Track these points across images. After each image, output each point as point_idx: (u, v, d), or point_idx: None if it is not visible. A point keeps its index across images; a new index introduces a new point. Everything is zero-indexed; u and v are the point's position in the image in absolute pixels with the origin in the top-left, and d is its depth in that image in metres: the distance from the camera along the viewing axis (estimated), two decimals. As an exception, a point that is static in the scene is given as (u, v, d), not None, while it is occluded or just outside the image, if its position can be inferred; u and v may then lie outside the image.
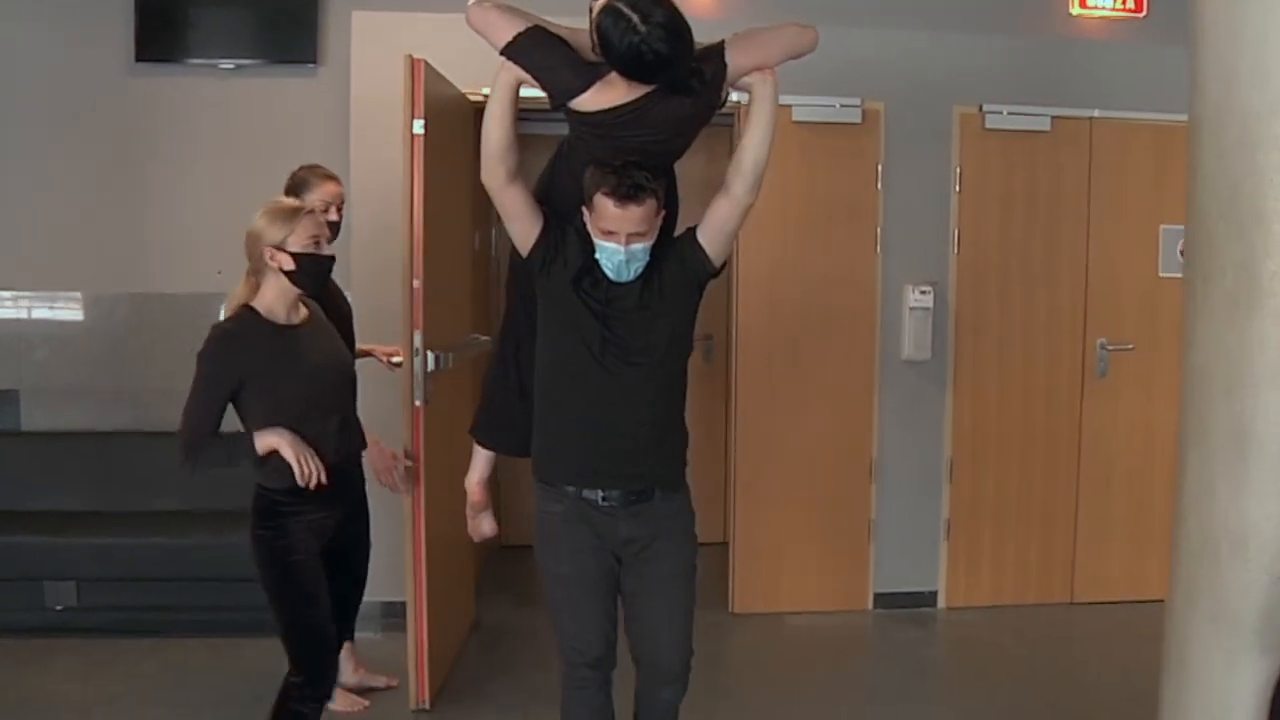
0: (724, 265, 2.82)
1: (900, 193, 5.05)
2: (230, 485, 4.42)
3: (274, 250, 3.02)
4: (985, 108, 5.04)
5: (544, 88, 2.68)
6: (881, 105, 5.01)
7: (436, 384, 3.87)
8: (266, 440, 2.96)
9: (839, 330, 5.04)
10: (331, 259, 3.15)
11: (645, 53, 2.50)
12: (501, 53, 2.66)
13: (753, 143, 2.71)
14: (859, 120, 4.96)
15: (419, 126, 3.70)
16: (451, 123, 4.22)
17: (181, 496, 4.79)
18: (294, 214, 3.06)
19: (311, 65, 4.97)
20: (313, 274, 3.07)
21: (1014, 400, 5.17)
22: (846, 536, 5.14)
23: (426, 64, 3.79)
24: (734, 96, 2.79)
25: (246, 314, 3.03)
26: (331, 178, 3.75)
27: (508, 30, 2.64)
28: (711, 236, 2.77)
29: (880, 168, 5.03)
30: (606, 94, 2.62)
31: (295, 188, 3.70)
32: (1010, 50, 5.10)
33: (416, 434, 3.73)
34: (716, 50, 2.67)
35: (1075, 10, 5.23)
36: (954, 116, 5.06)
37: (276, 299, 3.05)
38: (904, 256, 5.07)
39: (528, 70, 2.65)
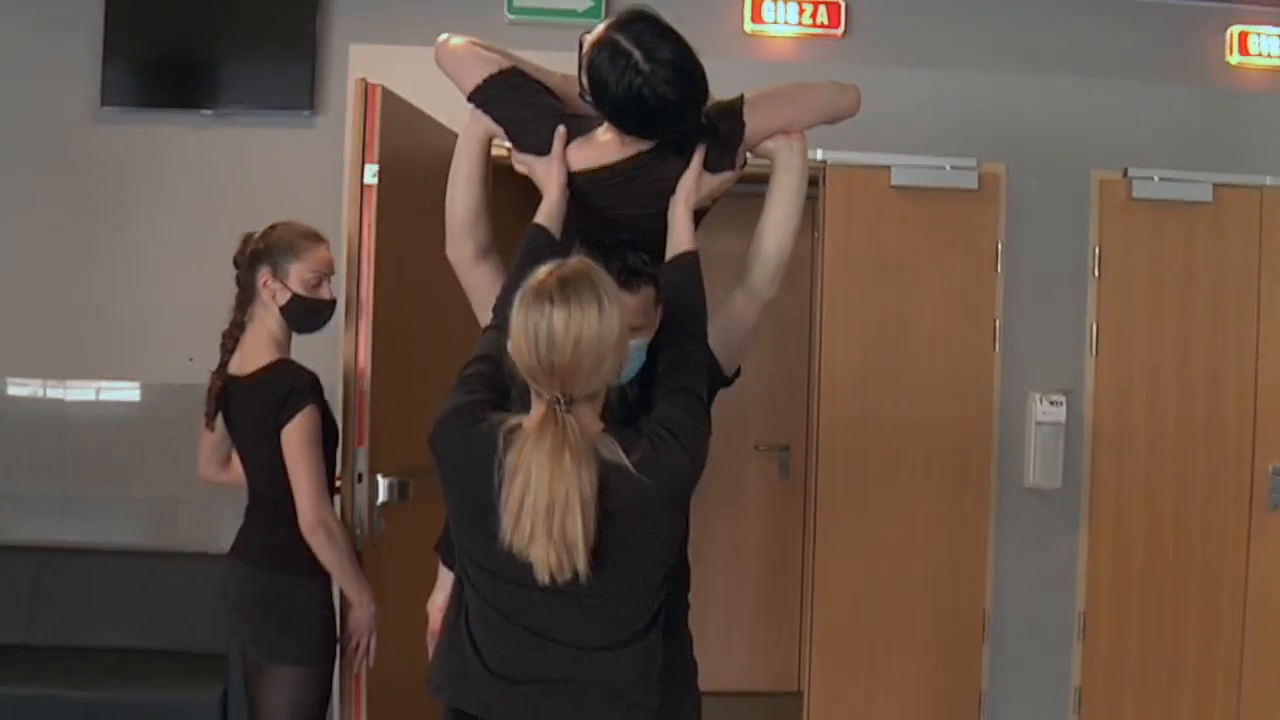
0: (737, 373, 2.39)
1: (1025, 277, 4.22)
2: (197, 615, 3.85)
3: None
4: (1131, 173, 4.21)
5: (515, 144, 2.32)
6: (1002, 168, 4.16)
7: (392, 519, 2.98)
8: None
9: (946, 448, 4.17)
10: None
11: (648, 97, 2.13)
12: (469, 98, 2.33)
13: (774, 224, 2.31)
14: (975, 186, 4.12)
15: (371, 175, 2.87)
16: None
17: (134, 629, 4.02)
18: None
19: (307, 113, 4.22)
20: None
21: (1164, 539, 4.29)
22: (950, 707, 4.23)
23: (390, 94, 2.97)
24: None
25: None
26: (321, 241, 2.86)
27: (477, 72, 2.32)
28: (723, 338, 2.29)
29: (1000, 245, 4.17)
30: (592, 151, 2.26)
31: (270, 252, 2.80)
32: (1161, 103, 4.29)
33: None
34: (733, 106, 2.30)
35: (1233, 59, 4.41)
36: (1092, 183, 4.25)
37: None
38: (1029, 358, 4.24)
39: (498, 121, 2.33)
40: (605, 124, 2.24)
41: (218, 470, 2.98)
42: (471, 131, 2.37)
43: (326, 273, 2.83)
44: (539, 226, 2.18)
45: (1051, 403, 4.16)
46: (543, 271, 1.85)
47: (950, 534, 4.19)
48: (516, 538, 1.80)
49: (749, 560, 5.14)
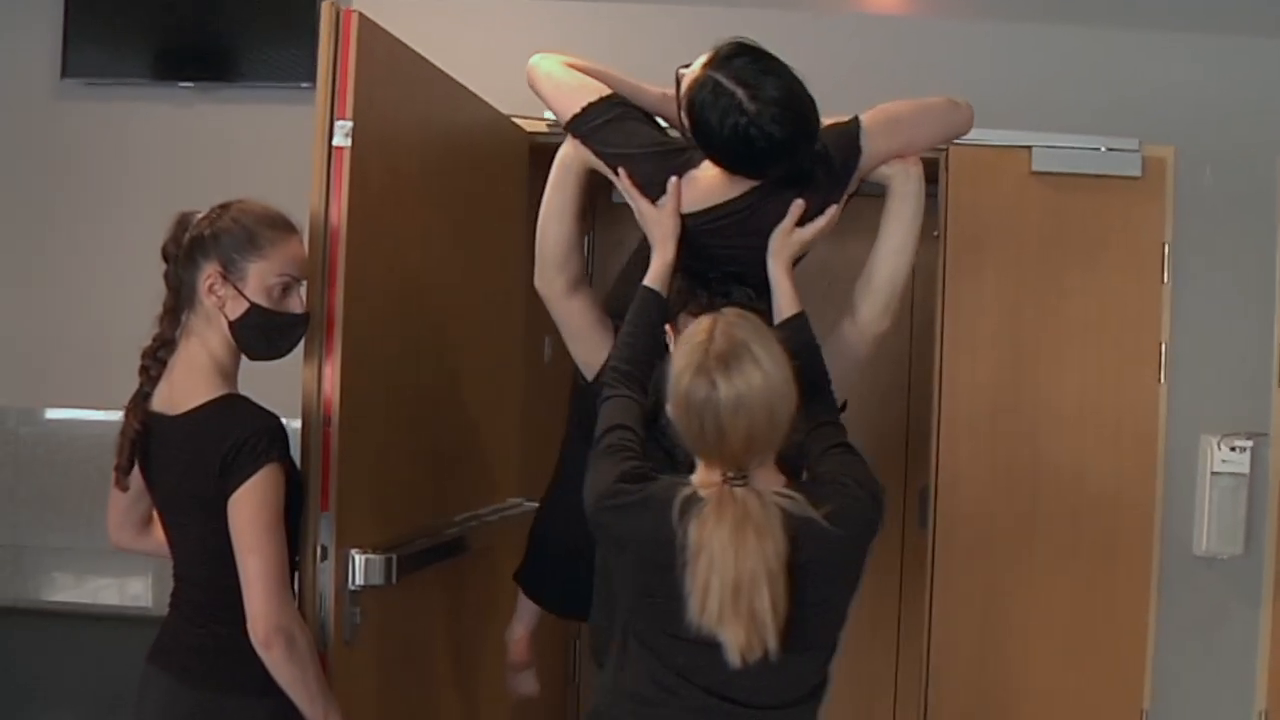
0: (843, 406, 2.28)
1: (1199, 289, 3.47)
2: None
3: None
4: (1335, 160, 3.44)
5: (617, 178, 2.27)
6: (1170, 152, 3.38)
7: (374, 608, 2.21)
8: None
9: (1096, 503, 3.38)
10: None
11: (755, 138, 2.07)
12: (567, 127, 2.31)
13: (888, 253, 2.29)
14: (1137, 173, 3.33)
15: (342, 134, 2.13)
16: (471, 151, 2.71)
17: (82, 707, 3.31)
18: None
19: (306, 85, 3.51)
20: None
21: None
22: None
23: (373, 26, 2.24)
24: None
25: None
26: (293, 231, 2.14)
27: (575, 99, 2.28)
28: (831, 371, 2.23)
29: (1167, 248, 3.38)
30: (699, 192, 2.21)
31: (220, 243, 2.07)
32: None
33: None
34: (848, 131, 2.25)
35: None
36: (1281, 173, 3.49)
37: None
38: (1204, 392, 3.49)
39: (601, 156, 2.27)
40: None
41: (134, 534, 2.24)
42: (568, 162, 2.31)
43: (298, 275, 2.09)
44: (652, 291, 2.14)
45: (1232, 449, 3.41)
46: (695, 339, 1.83)
47: (1100, 611, 3.40)
48: (706, 617, 1.77)
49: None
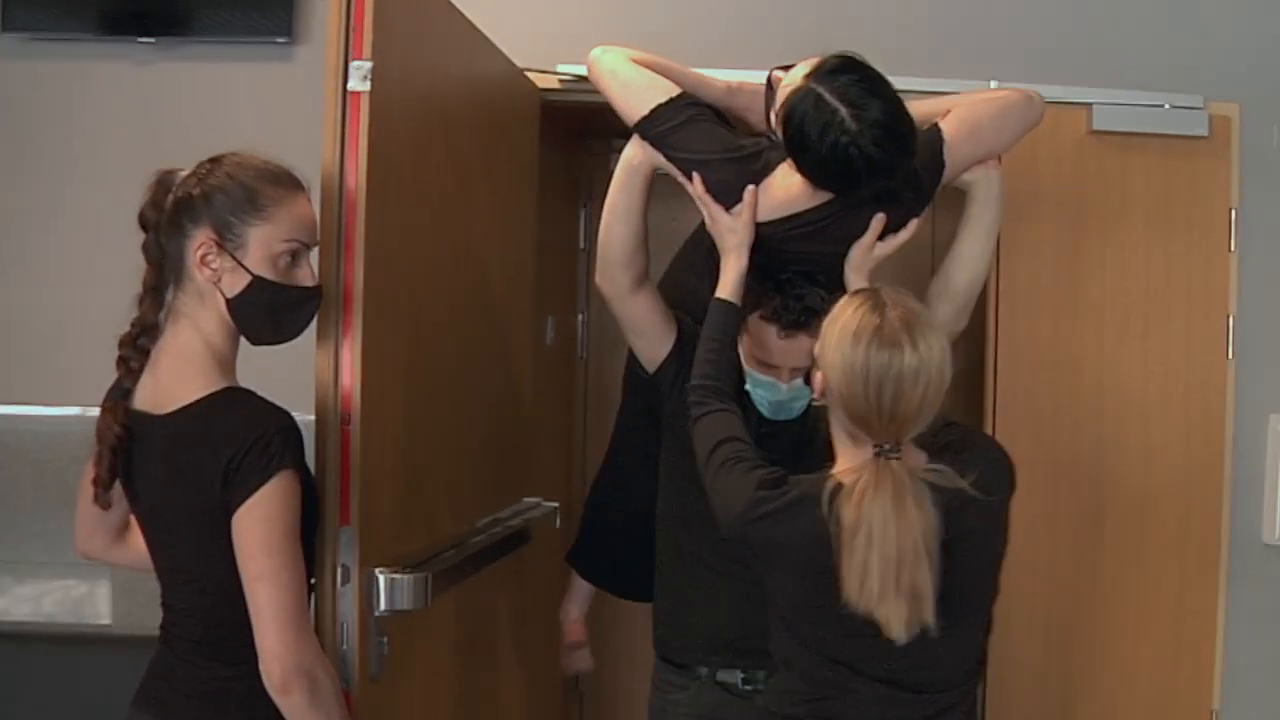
0: None
1: (1269, 258, 3.17)
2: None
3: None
4: None
5: (687, 180, 2.19)
6: (1235, 109, 3.09)
7: (405, 636, 1.89)
8: None
9: (1160, 490, 3.10)
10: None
11: (854, 158, 2.01)
12: (636, 128, 2.23)
13: (969, 257, 2.28)
14: (1204, 132, 3.04)
15: (360, 77, 1.79)
16: (490, 106, 2.39)
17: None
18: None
19: (283, 40, 3.23)
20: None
21: None
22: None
23: None
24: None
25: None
26: (300, 188, 1.80)
27: (643, 99, 2.21)
28: None
29: (1234, 214, 3.09)
30: (776, 200, 2.15)
31: (212, 204, 1.73)
32: None
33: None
34: (930, 145, 2.17)
35: None
36: (1362, 131, 3.21)
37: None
38: (1274, 368, 3.19)
39: (673, 160, 2.20)
40: (786, 164, 2.13)
41: (107, 543, 1.90)
42: (635, 164, 2.26)
43: (309, 241, 1.76)
44: (729, 304, 2.12)
45: (1304, 429, 3.11)
46: (864, 308, 1.82)
47: (1166, 605, 3.14)
48: (864, 597, 1.75)
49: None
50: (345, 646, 1.77)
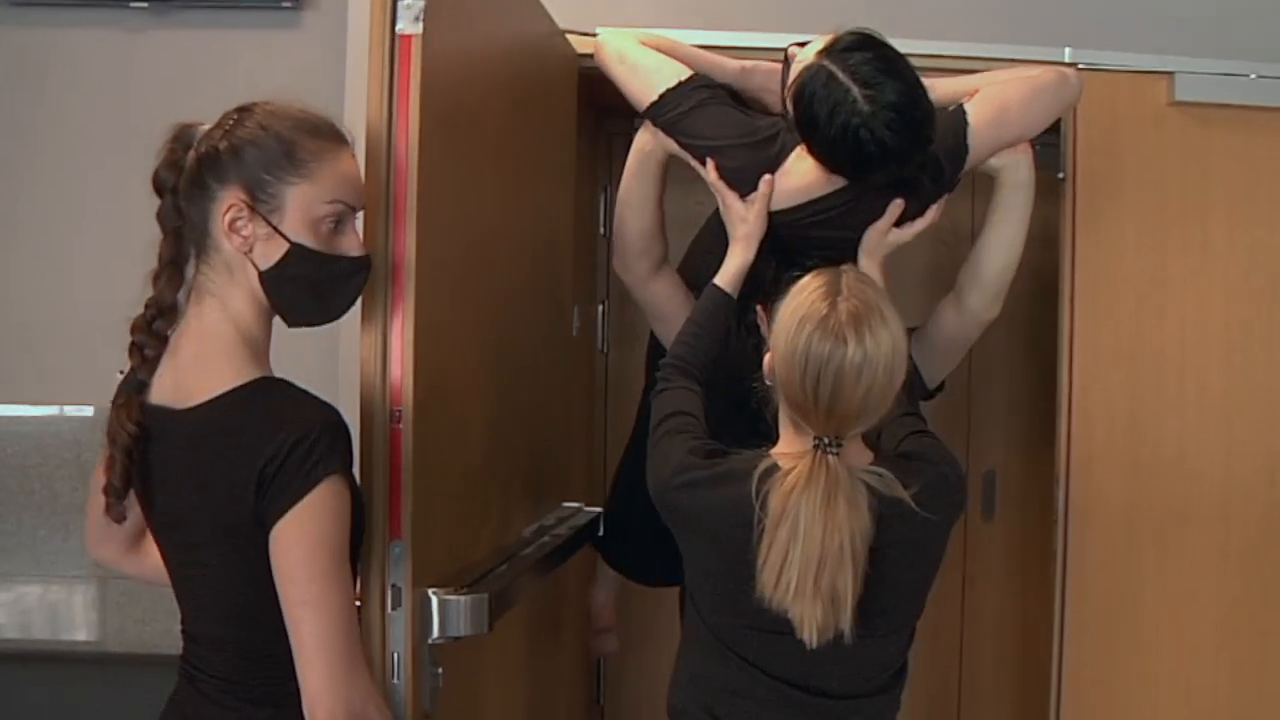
0: (940, 387, 2.41)
1: None
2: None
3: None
4: None
5: (701, 166, 2.17)
6: None
7: (460, 663, 1.65)
8: None
9: (1249, 493, 2.91)
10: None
11: (865, 141, 1.96)
12: (646, 113, 2.20)
13: (1001, 243, 2.27)
14: None
15: (411, 17, 1.55)
16: (538, 64, 2.18)
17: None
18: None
19: (289, 6, 3.09)
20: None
21: None
22: None
23: None
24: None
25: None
26: (343, 142, 1.56)
27: (653, 82, 2.18)
28: (929, 355, 2.33)
29: None
30: (791, 188, 2.12)
31: (242, 160, 1.49)
32: None
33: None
34: (954, 128, 2.12)
35: None
36: None
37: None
38: None
39: (686, 147, 2.18)
40: (801, 149, 2.08)
41: (120, 551, 1.66)
42: (648, 151, 2.25)
43: (355, 204, 1.51)
44: (723, 293, 2.09)
45: (1397, 428, 2.92)
46: (817, 294, 1.74)
47: (1258, 620, 2.96)
48: (779, 591, 1.69)
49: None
50: (397, 680, 1.52)
